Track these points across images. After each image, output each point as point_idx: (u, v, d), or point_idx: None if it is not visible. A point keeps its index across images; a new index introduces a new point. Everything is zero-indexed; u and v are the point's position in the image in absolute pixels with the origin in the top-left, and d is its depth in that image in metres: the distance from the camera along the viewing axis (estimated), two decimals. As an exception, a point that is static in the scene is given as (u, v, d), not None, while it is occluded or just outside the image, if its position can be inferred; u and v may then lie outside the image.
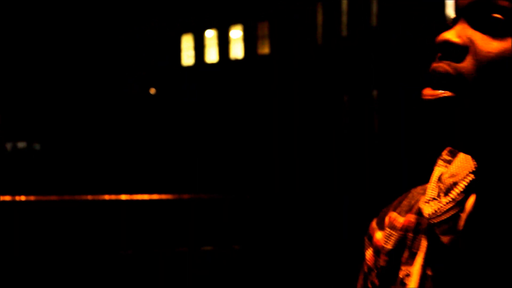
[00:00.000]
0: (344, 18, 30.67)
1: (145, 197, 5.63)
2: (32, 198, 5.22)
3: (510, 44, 0.91)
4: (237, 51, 38.09)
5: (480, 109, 0.93)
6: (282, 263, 6.62)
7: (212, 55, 39.47)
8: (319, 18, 32.64)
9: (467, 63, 0.93)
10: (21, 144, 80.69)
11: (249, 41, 37.34)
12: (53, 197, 5.50)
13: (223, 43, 38.74)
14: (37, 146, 72.40)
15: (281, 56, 35.33)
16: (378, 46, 27.00)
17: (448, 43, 0.95)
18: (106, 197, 5.50)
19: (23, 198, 5.02)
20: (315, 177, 28.02)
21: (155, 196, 5.56)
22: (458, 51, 0.94)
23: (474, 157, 1.02)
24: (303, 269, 6.26)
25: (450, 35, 0.95)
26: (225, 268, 6.31)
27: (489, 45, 0.92)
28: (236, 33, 38.07)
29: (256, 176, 27.80)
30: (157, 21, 43.01)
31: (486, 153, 0.98)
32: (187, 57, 41.15)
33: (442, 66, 0.95)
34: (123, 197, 5.53)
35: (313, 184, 27.36)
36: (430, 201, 1.09)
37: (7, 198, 4.84)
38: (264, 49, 36.67)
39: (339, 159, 28.52)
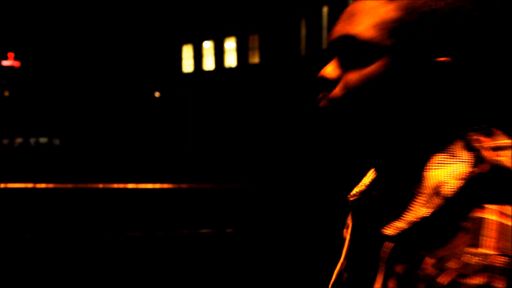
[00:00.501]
0: (325, 33, 30.72)
1: (149, 186, 5.61)
2: (51, 185, 5.20)
3: (362, 73, 1.00)
4: (231, 60, 38.13)
5: (346, 126, 1.04)
6: (275, 248, 6.60)
7: (209, 64, 39.51)
8: (303, 32, 32.65)
9: (336, 91, 1.04)
10: (43, 140, 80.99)
11: (241, 52, 37.38)
12: (69, 185, 5.47)
13: (219, 53, 38.75)
14: (56, 141, 72.55)
15: (269, 65, 35.34)
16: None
17: (323, 78, 1.05)
18: (115, 185, 5.47)
19: (43, 185, 5.00)
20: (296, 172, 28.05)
21: (157, 185, 5.55)
22: (331, 83, 1.04)
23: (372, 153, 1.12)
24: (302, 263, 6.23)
25: (325, 72, 1.05)
26: (219, 248, 6.31)
27: (351, 75, 1.02)
28: (230, 45, 38.10)
29: (248, 168, 27.83)
30: (161, 33, 43.00)
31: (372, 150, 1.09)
32: (187, 65, 41.18)
33: (321, 97, 1.06)
34: (130, 185, 5.51)
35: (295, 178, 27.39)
36: (360, 186, 1.20)
37: (30, 185, 4.84)
38: (255, 58, 36.73)
39: (320, 156, 28.54)
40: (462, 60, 0.99)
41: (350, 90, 1.02)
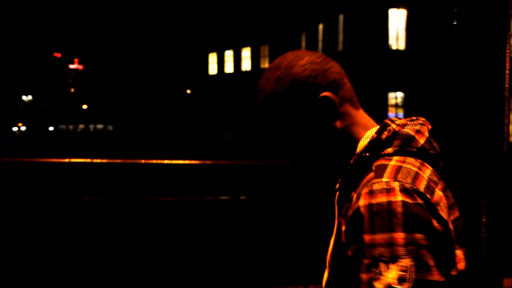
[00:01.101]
0: (320, 45, 30.51)
1: (181, 161, 5.52)
2: (104, 160, 5.11)
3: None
4: (246, 65, 38.08)
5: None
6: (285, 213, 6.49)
7: (229, 68, 39.47)
8: (303, 44, 32.45)
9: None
10: (99, 126, 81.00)
11: (255, 58, 37.32)
12: (118, 160, 5.39)
13: (237, 59, 38.70)
14: (110, 127, 72.68)
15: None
16: (343, 64, 26.87)
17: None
18: (154, 161, 5.39)
19: (98, 160, 4.93)
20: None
21: (187, 161, 5.45)
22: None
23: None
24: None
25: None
26: (235, 211, 6.23)
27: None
28: (246, 53, 38.03)
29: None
30: (193, 44, 42.94)
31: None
32: (212, 69, 41.14)
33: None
34: (166, 161, 5.42)
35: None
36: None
37: (88, 160, 4.77)
38: (265, 64, 36.64)
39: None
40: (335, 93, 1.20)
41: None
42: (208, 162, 4.54)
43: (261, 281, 4.45)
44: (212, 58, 41.27)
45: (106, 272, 4.47)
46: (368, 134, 1.17)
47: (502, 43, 1.80)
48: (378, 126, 1.17)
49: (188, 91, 47.03)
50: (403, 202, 0.98)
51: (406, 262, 0.95)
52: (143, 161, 4.61)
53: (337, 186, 1.19)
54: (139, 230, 5.46)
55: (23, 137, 75.51)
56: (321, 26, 30.52)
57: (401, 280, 0.95)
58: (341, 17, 28.31)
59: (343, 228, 1.08)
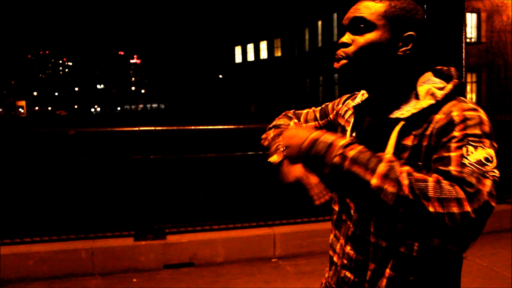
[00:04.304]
0: (319, 38, 30.06)
1: (217, 127, 5.02)
2: (164, 128, 4.53)
3: (366, 38, 1.08)
4: (263, 54, 37.85)
5: (358, 67, 1.09)
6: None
7: (250, 57, 39.26)
8: (306, 37, 32.03)
9: (351, 48, 1.09)
10: (154, 105, 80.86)
11: (270, 49, 37.01)
12: (174, 127, 4.87)
13: (256, 50, 38.38)
14: (162, 106, 72.77)
15: (285, 57, 34.88)
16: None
17: (342, 42, 1.10)
18: (197, 127, 4.94)
19: (159, 128, 4.48)
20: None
21: (224, 126, 5.03)
22: (347, 44, 1.10)
23: (364, 88, 1.15)
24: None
25: (343, 38, 1.11)
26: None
27: (359, 40, 1.09)
28: (263, 45, 37.74)
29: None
30: (223, 39, 42.64)
31: (365, 86, 1.14)
32: (238, 58, 40.82)
33: (339, 52, 1.11)
34: (209, 127, 4.98)
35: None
36: (357, 101, 1.26)
37: (152, 128, 4.19)
38: (278, 53, 36.35)
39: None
40: (418, 34, 1.10)
41: (358, 46, 1.09)
42: (241, 126, 4.48)
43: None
44: (237, 50, 41.13)
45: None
46: (435, 84, 1.10)
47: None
48: (436, 77, 1.13)
49: (220, 76, 47.03)
50: (488, 119, 1.01)
51: (491, 152, 0.97)
52: (191, 127, 4.58)
53: (406, 114, 1.07)
54: (195, 173, 5.26)
55: (99, 115, 76.16)
56: (320, 23, 30.03)
57: (487, 160, 0.95)
58: (335, 15, 27.84)
59: (414, 142, 1.04)
